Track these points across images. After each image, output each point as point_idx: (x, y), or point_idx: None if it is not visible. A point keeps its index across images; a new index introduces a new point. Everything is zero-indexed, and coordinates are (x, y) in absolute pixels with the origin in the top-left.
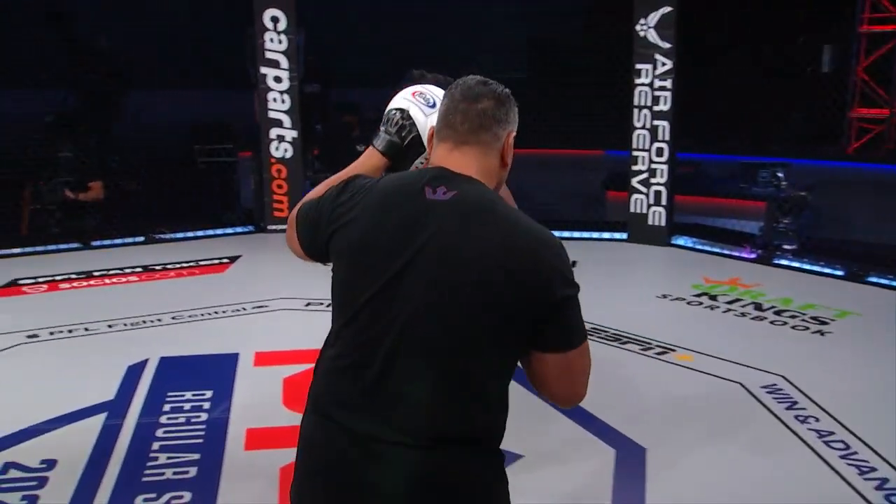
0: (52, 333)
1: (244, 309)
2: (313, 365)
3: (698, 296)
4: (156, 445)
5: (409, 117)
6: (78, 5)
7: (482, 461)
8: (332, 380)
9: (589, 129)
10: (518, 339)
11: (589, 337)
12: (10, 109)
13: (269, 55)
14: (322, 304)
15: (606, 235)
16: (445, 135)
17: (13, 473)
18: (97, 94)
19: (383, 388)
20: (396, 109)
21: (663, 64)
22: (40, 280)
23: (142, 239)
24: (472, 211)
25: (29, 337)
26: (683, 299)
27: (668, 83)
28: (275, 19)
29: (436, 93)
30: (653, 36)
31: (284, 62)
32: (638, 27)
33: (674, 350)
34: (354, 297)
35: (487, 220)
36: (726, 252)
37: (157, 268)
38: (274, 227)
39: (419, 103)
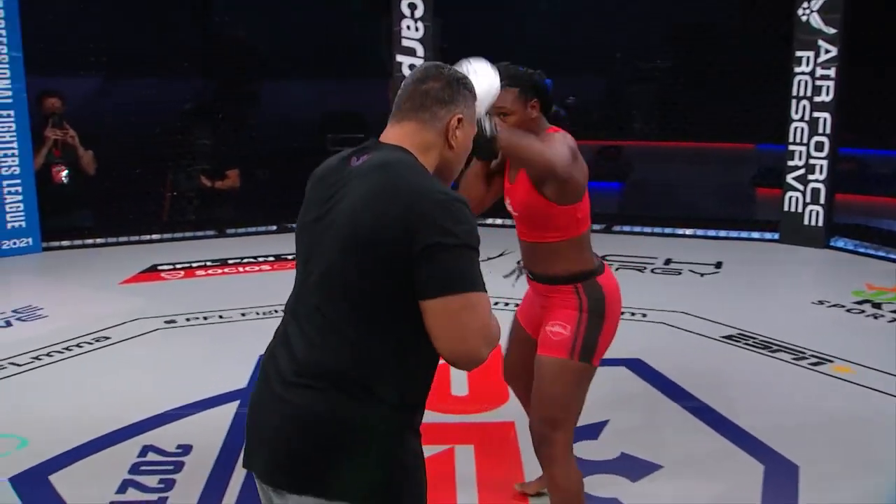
0: (188, 319)
1: None
2: (442, 360)
3: (860, 303)
4: None
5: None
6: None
7: (355, 402)
8: (276, 331)
9: (739, 122)
10: (397, 288)
11: (490, 297)
12: (151, 98)
13: (405, 42)
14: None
15: (755, 235)
16: (392, 113)
17: (152, 457)
18: (234, 83)
19: (289, 334)
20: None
21: (827, 51)
22: (178, 266)
23: (274, 228)
24: (373, 168)
25: (167, 322)
26: (843, 306)
27: (831, 72)
28: (412, 6)
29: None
30: (816, 21)
31: (420, 50)
32: (800, 11)
33: (831, 361)
34: (297, 265)
35: (382, 174)
36: (893, 256)
37: (289, 257)
38: None
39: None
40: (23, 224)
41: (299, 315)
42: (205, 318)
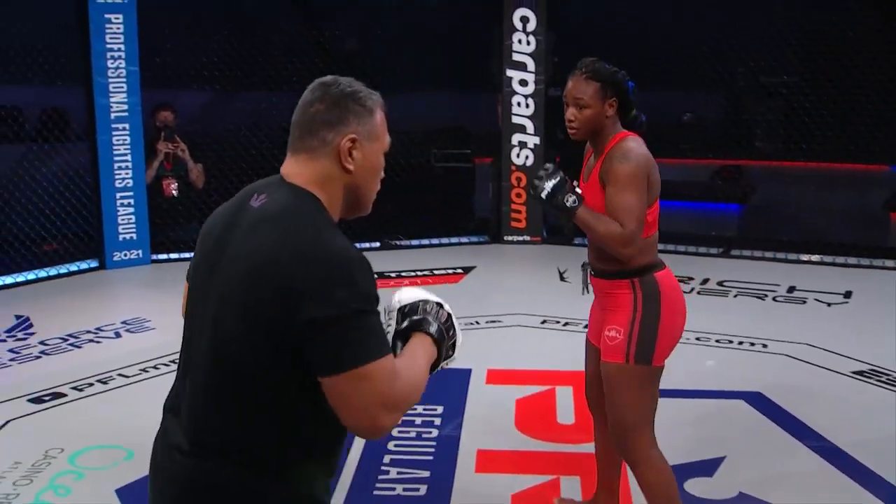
0: None
1: (477, 322)
2: (548, 387)
3: None
4: (387, 459)
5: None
6: (327, 7)
7: (247, 473)
8: (172, 386)
9: (873, 141)
10: (279, 355)
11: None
12: (260, 112)
13: (515, 57)
14: (559, 322)
15: (889, 264)
16: (289, 141)
17: None
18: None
19: (181, 397)
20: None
21: None
22: None
23: (377, 244)
24: (264, 219)
25: None
26: None
27: None
28: (524, 19)
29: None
30: None
31: (531, 64)
32: None
33: None
34: (188, 310)
35: (271, 228)
36: None
37: (392, 275)
38: (511, 237)
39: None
40: (134, 236)
41: (189, 375)
42: None
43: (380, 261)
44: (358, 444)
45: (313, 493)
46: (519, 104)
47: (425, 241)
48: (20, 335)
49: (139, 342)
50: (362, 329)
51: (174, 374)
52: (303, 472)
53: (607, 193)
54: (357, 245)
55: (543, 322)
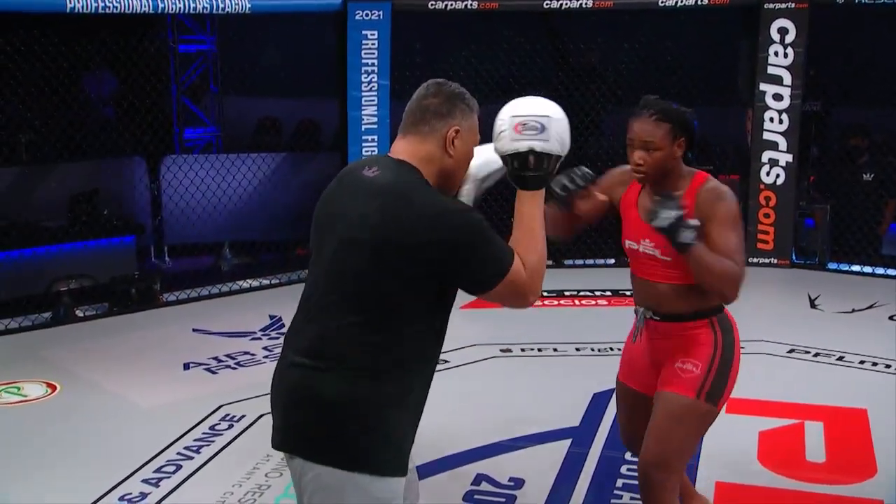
0: (523, 350)
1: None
2: (796, 421)
3: None
4: (619, 483)
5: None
6: (572, 22)
7: (362, 384)
8: (294, 316)
9: None
10: (406, 290)
11: None
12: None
13: (771, 70)
14: (808, 352)
15: None
16: (400, 128)
17: (485, 486)
18: (581, 112)
19: (303, 321)
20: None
21: None
22: None
23: (612, 261)
24: (383, 185)
25: (502, 350)
26: None
27: None
28: (783, 30)
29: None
30: None
31: (787, 78)
32: None
33: None
34: (312, 255)
35: (391, 193)
36: None
37: (628, 293)
38: (756, 259)
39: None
40: None
41: (311, 300)
42: (539, 350)
43: (615, 278)
44: (588, 467)
45: (402, 400)
46: (772, 119)
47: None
48: (273, 334)
49: None
50: (489, 248)
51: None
52: (405, 384)
53: (711, 233)
54: (591, 261)
55: (791, 351)
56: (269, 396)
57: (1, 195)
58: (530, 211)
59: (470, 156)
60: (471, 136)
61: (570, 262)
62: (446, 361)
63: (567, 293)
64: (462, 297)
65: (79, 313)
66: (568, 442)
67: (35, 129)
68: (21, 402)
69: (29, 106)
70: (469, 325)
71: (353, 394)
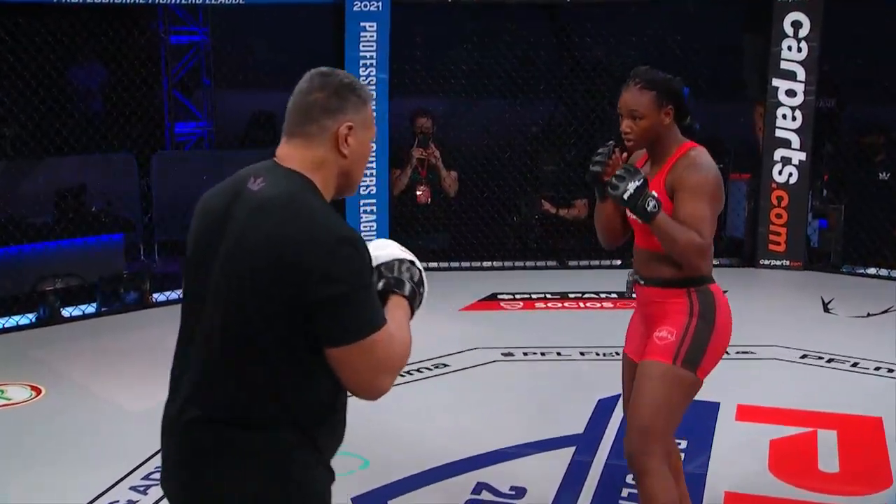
0: (525, 354)
1: (727, 353)
2: (808, 429)
3: None
4: (625, 493)
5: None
6: (577, 16)
7: (239, 438)
8: (175, 354)
9: None
10: (287, 327)
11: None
12: (505, 120)
13: (784, 66)
14: (821, 357)
15: None
16: (283, 127)
17: (486, 495)
18: (587, 108)
19: (183, 367)
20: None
21: None
22: (517, 297)
23: (619, 263)
24: (266, 203)
25: (504, 354)
26: None
27: None
28: (796, 24)
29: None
30: None
31: (801, 73)
32: None
33: None
34: (188, 283)
35: (276, 213)
36: None
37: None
38: (767, 261)
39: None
40: None
41: (194, 347)
42: (542, 354)
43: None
44: (593, 477)
45: (322, 455)
46: (784, 116)
47: None
48: None
49: None
50: (365, 302)
51: (408, 384)
52: (310, 435)
53: (679, 201)
54: (597, 262)
55: (804, 357)
56: None
57: None
58: (405, 314)
59: (366, 152)
60: (365, 130)
61: (574, 263)
62: (446, 365)
63: (571, 295)
64: (461, 299)
65: (65, 314)
66: (572, 450)
67: (20, 122)
68: (4, 405)
69: (14, 99)
70: (469, 327)
71: (237, 451)
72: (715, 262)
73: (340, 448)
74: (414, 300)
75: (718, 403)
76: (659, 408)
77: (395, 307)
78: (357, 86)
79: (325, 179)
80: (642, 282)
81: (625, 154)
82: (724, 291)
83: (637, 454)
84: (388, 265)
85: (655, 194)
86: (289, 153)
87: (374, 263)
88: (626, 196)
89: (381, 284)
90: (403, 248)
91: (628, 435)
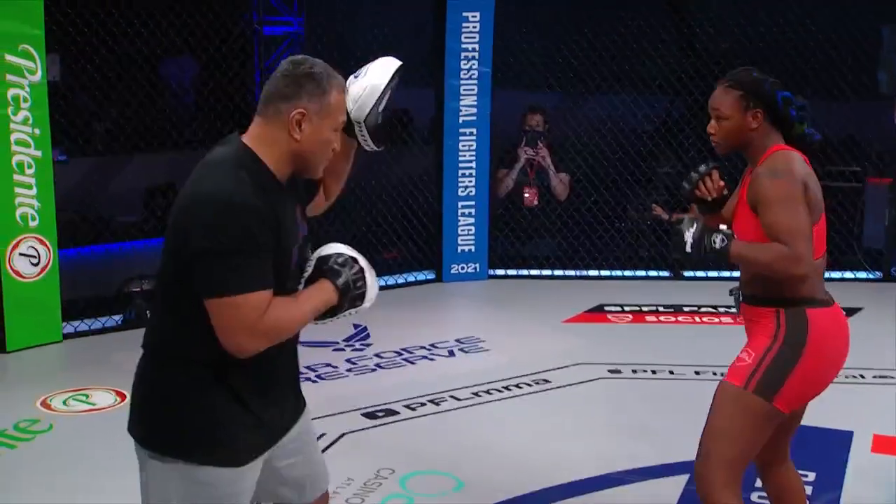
0: (634, 371)
1: (862, 377)
2: None
3: None
4: None
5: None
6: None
7: (156, 364)
8: None
9: None
10: (181, 277)
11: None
12: (618, 117)
13: None
14: None
15: None
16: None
17: None
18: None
19: None
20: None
21: None
22: (626, 308)
23: (738, 273)
24: (199, 166)
25: (610, 371)
26: None
27: None
28: None
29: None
30: None
31: None
32: None
33: None
34: None
35: (196, 174)
36: None
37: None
38: None
39: (367, 266)
40: (472, 248)
41: None
42: (653, 372)
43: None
44: None
45: (219, 379)
46: None
47: None
48: (357, 345)
49: (473, 363)
50: (231, 265)
51: (506, 401)
52: (222, 375)
53: (760, 216)
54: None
55: None
56: (350, 413)
57: (73, 187)
58: (320, 300)
59: (324, 138)
60: (322, 119)
61: (690, 273)
62: (547, 381)
63: (686, 308)
64: (565, 311)
65: None
66: (684, 478)
67: (111, 117)
68: (89, 410)
69: (105, 93)
70: (573, 340)
71: (162, 389)
72: (849, 275)
73: (432, 468)
74: (347, 291)
75: (852, 433)
76: (722, 432)
77: (313, 289)
78: (317, 75)
79: (275, 156)
80: (741, 297)
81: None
82: (854, 311)
83: (698, 479)
84: (325, 257)
85: (723, 227)
86: (250, 128)
87: (316, 256)
88: (690, 250)
89: (311, 271)
90: (350, 248)
91: (696, 464)
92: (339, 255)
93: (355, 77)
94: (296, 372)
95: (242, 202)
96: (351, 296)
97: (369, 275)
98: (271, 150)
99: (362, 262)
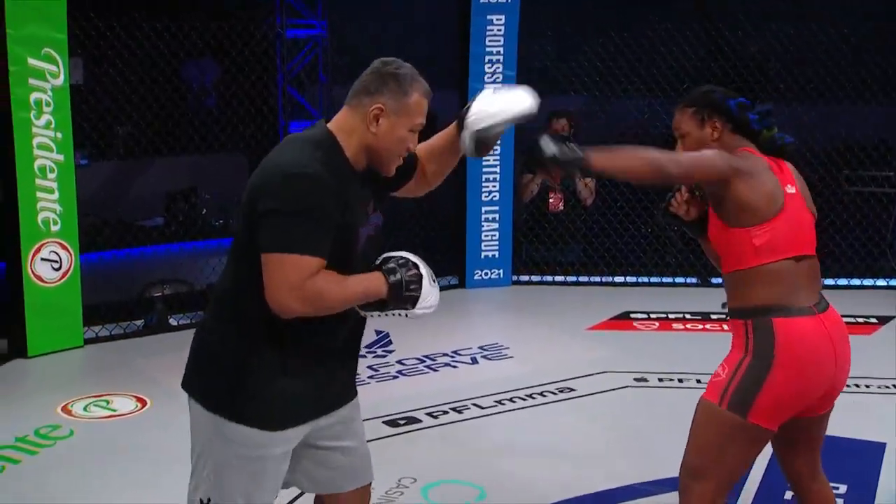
0: (660, 380)
1: (894, 387)
2: None
3: None
4: None
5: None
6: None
7: (215, 317)
8: None
9: None
10: (251, 235)
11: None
12: (641, 120)
13: None
14: None
15: None
16: None
17: None
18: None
19: None
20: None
21: None
22: (653, 316)
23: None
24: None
25: (636, 380)
26: None
27: None
28: None
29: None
30: None
31: None
32: None
33: None
34: None
35: (275, 148)
36: None
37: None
38: None
39: (428, 276)
40: (496, 254)
41: None
42: (679, 381)
43: None
44: None
45: (272, 338)
46: None
47: (831, 282)
48: (380, 352)
49: (496, 371)
50: (291, 224)
51: (530, 409)
52: (263, 321)
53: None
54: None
55: None
56: (372, 421)
57: (95, 191)
58: (368, 288)
59: (399, 136)
60: (400, 117)
61: (717, 280)
62: (572, 390)
63: (714, 316)
64: (590, 317)
65: (172, 322)
66: None
67: (133, 120)
68: (110, 416)
69: (127, 96)
70: (598, 348)
71: (214, 340)
72: (882, 282)
73: (455, 477)
74: (399, 289)
75: (885, 444)
76: (699, 448)
77: (366, 277)
78: (402, 77)
79: (352, 144)
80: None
81: (690, 195)
82: (887, 319)
83: (680, 492)
84: (389, 257)
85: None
86: (336, 117)
87: (384, 255)
88: (550, 155)
89: (378, 262)
90: (418, 257)
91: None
92: (402, 257)
93: (494, 91)
94: (354, 359)
95: (314, 173)
96: (401, 295)
97: (428, 283)
98: (350, 138)
99: (423, 269)
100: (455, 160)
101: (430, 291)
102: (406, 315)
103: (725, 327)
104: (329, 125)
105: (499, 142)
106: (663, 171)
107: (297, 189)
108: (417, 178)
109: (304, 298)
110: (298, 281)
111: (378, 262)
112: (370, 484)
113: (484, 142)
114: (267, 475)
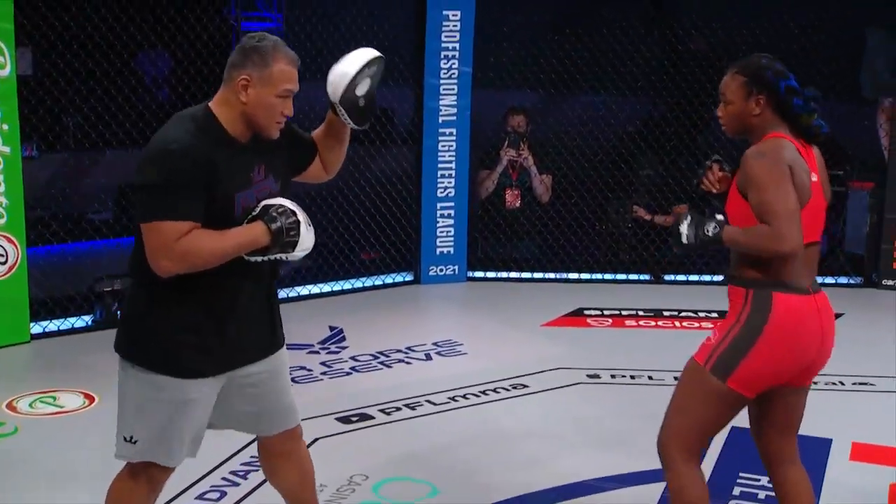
0: (613, 376)
1: (841, 384)
2: None
3: None
4: None
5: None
6: (683, 6)
7: (133, 285)
8: None
9: None
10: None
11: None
12: (597, 118)
13: None
14: None
15: None
16: None
17: None
18: (689, 106)
19: None
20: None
21: None
22: (606, 312)
23: (720, 278)
24: None
25: (589, 376)
26: None
27: None
28: None
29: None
30: None
31: None
32: None
33: None
34: None
35: None
36: None
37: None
38: (891, 282)
39: (304, 221)
40: (451, 250)
41: None
42: (632, 378)
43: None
44: None
45: (169, 295)
46: None
47: None
48: (333, 348)
49: (450, 367)
50: (155, 196)
51: (483, 406)
52: (156, 281)
53: (750, 198)
54: (696, 277)
55: None
56: (324, 418)
57: (44, 184)
58: (248, 238)
59: (268, 103)
60: (265, 86)
61: (670, 277)
62: (525, 386)
63: (666, 313)
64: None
65: None
66: (662, 486)
67: (83, 112)
68: (56, 413)
69: (76, 87)
70: (552, 344)
71: (130, 303)
72: (830, 280)
73: (407, 474)
74: (279, 235)
75: (830, 440)
76: (678, 407)
77: (243, 227)
78: (265, 48)
79: (229, 116)
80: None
81: (722, 172)
82: (839, 315)
83: (658, 446)
84: (268, 206)
85: (718, 217)
86: (216, 93)
87: (262, 205)
88: (688, 241)
89: (255, 213)
90: (294, 204)
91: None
92: (281, 205)
93: (336, 64)
94: (269, 313)
95: (177, 147)
96: (282, 241)
97: (305, 228)
98: (225, 109)
99: (301, 215)
100: (341, 144)
101: (307, 236)
102: (286, 258)
103: (677, 324)
104: (211, 102)
105: (453, 137)
106: (781, 253)
107: (161, 162)
108: (317, 163)
109: (180, 258)
110: (168, 243)
111: (257, 211)
112: (299, 429)
113: (354, 105)
114: (185, 417)
